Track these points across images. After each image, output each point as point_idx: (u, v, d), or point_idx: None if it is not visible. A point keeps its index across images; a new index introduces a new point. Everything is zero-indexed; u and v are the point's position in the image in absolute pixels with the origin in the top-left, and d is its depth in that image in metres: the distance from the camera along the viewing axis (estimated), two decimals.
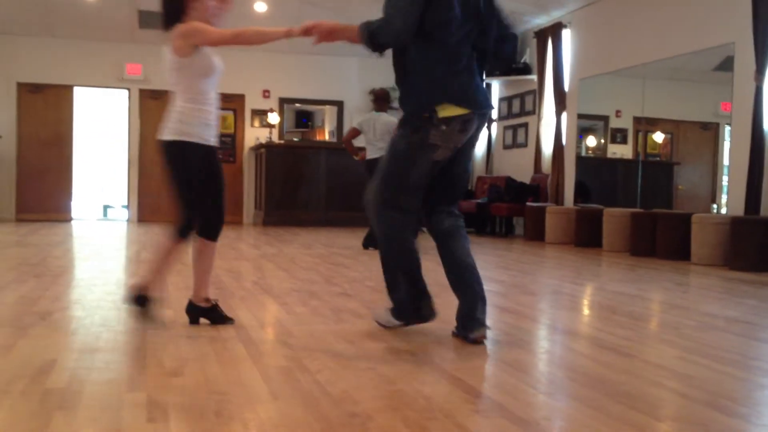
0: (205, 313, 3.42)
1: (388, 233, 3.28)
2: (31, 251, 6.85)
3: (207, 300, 3.43)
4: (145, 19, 11.48)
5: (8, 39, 11.82)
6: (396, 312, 3.34)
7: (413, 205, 3.24)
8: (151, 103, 12.55)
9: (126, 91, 12.55)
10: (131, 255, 7.00)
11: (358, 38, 3.12)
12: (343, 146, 8.33)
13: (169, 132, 3.32)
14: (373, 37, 3.07)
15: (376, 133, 7.50)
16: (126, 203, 12.96)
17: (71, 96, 12.37)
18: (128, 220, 12.65)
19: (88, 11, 11.18)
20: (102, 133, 14.90)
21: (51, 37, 11.96)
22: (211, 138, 3.34)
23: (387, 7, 3.07)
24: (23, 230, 9.68)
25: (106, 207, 14.91)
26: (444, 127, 3.09)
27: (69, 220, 12.27)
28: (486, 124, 3.31)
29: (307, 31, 3.13)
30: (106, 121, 14.72)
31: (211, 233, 3.39)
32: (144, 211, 12.58)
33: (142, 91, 12.51)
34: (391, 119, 7.55)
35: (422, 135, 3.12)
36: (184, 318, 3.52)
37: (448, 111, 3.09)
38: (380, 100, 7.78)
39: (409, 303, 3.30)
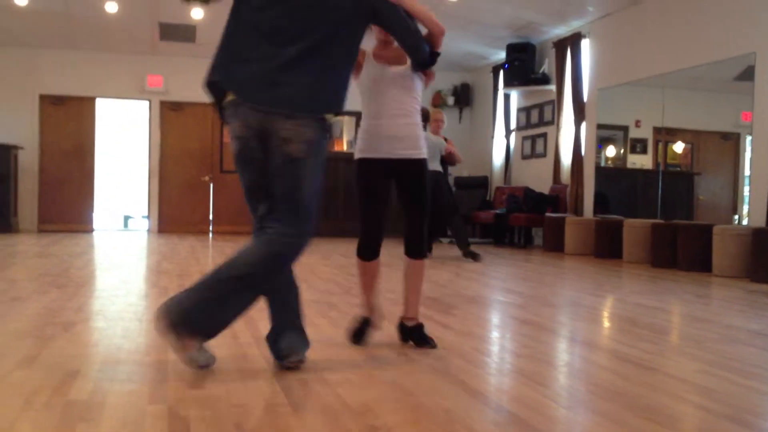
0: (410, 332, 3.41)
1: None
2: (53, 262, 6.91)
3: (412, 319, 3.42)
4: (165, 32, 11.59)
5: (31, 51, 11.97)
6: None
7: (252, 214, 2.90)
8: (171, 115, 12.66)
9: (147, 103, 12.66)
10: (152, 265, 7.04)
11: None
12: None
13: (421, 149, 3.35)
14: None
15: (431, 149, 7.72)
16: (146, 214, 13.05)
17: (93, 108, 12.49)
18: (148, 231, 12.74)
19: (110, 24, 11.29)
20: (123, 144, 15.03)
21: (73, 50, 12.10)
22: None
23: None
24: (45, 241, 9.78)
25: (126, 217, 15.02)
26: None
27: (90, 230, 12.37)
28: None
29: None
30: (127, 133, 14.85)
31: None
32: (164, 222, 12.67)
33: (162, 103, 12.62)
34: (440, 140, 7.84)
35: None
36: None
37: (229, 96, 2.77)
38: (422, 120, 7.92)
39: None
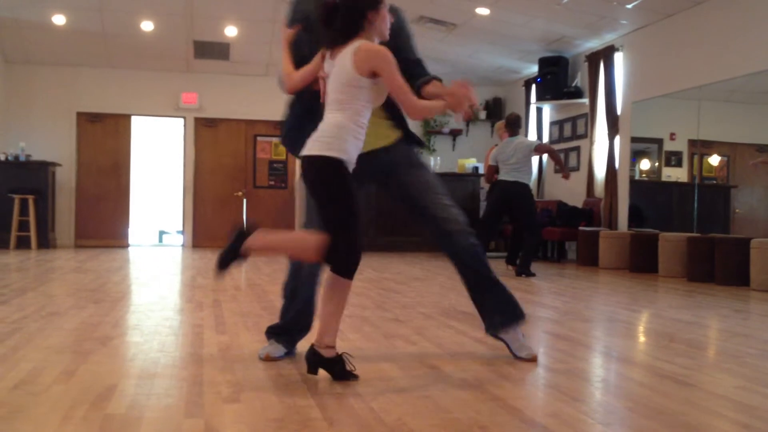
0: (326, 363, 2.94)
1: None
2: (90, 277, 7.01)
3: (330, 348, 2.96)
4: (200, 49, 11.76)
5: (69, 70, 12.20)
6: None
7: None
8: (205, 131, 12.81)
9: (182, 120, 12.83)
10: (187, 280, 7.11)
11: None
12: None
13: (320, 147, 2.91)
14: None
15: (518, 157, 7.74)
16: (181, 229, 13.19)
17: (129, 125, 12.68)
18: (183, 246, 12.87)
19: (146, 42, 11.49)
20: (158, 161, 15.23)
21: (110, 68, 12.31)
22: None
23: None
24: (82, 256, 9.92)
25: (161, 233, 15.19)
26: None
27: (126, 246, 12.53)
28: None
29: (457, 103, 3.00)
30: (163, 149, 15.04)
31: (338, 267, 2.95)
32: (199, 237, 12.79)
33: (197, 120, 12.78)
34: (529, 141, 7.91)
35: None
36: (238, 343, 3.57)
37: None
38: (513, 124, 8.06)
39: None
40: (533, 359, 3.34)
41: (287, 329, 3.36)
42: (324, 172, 2.90)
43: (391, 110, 3.26)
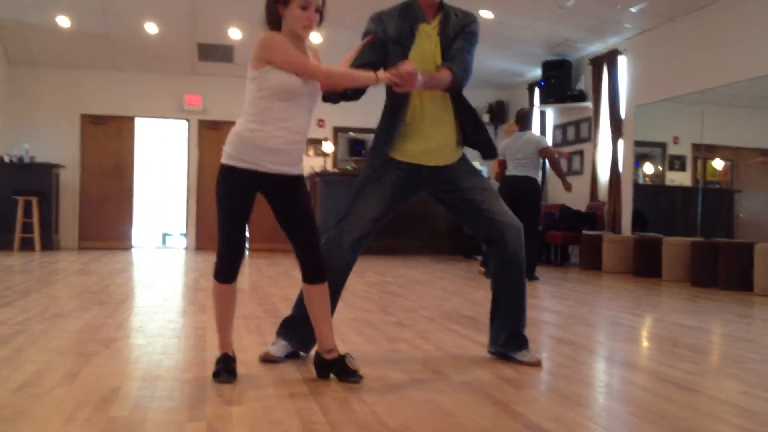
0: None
1: None
2: (93, 279, 7.02)
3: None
4: (204, 52, 11.78)
5: (74, 72, 12.22)
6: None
7: None
8: (209, 133, 12.82)
9: (185, 122, 12.84)
10: (190, 283, 7.11)
11: (450, 86, 3.19)
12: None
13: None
14: (462, 85, 3.22)
15: (525, 152, 7.72)
16: (184, 231, 13.20)
17: (132, 127, 12.70)
18: (186, 248, 12.87)
19: (150, 45, 11.51)
20: (162, 163, 15.24)
21: (114, 70, 12.33)
22: (270, 164, 2.91)
23: (470, 55, 3.24)
24: (85, 258, 9.93)
25: (165, 235, 15.20)
26: None
27: (129, 248, 12.54)
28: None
29: (398, 78, 2.95)
30: (166, 151, 15.06)
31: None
32: (202, 239, 12.80)
33: (201, 122, 12.79)
34: (539, 137, 7.89)
35: None
36: (241, 346, 3.57)
37: None
38: (523, 119, 8.04)
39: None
40: (537, 364, 3.34)
41: (295, 320, 3.35)
42: (217, 179, 3.00)
43: (467, 117, 3.38)
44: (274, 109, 2.88)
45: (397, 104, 3.28)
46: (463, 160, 3.43)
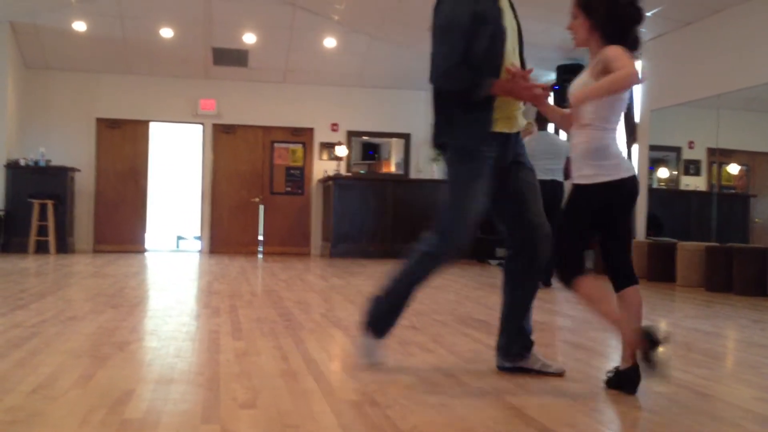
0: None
1: None
2: (108, 282, 7.06)
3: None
4: (218, 56, 11.84)
5: (89, 76, 12.30)
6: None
7: None
8: (223, 137, 12.88)
9: (200, 126, 12.89)
10: (203, 286, 7.14)
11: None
12: None
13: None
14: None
15: (553, 153, 7.56)
16: (198, 234, 13.25)
17: (147, 131, 12.76)
18: (200, 251, 12.92)
19: (165, 49, 11.58)
20: (176, 167, 15.31)
21: (129, 75, 12.40)
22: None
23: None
24: (100, 261, 9.99)
25: (179, 238, 15.26)
26: None
27: (143, 251, 12.60)
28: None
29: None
30: (180, 155, 15.12)
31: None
32: (216, 243, 12.84)
33: (215, 126, 12.84)
34: (564, 142, 7.70)
35: None
36: (255, 349, 3.58)
37: None
38: (543, 119, 7.88)
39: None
40: (562, 375, 3.26)
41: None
42: None
43: None
44: None
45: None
46: (522, 147, 3.47)
